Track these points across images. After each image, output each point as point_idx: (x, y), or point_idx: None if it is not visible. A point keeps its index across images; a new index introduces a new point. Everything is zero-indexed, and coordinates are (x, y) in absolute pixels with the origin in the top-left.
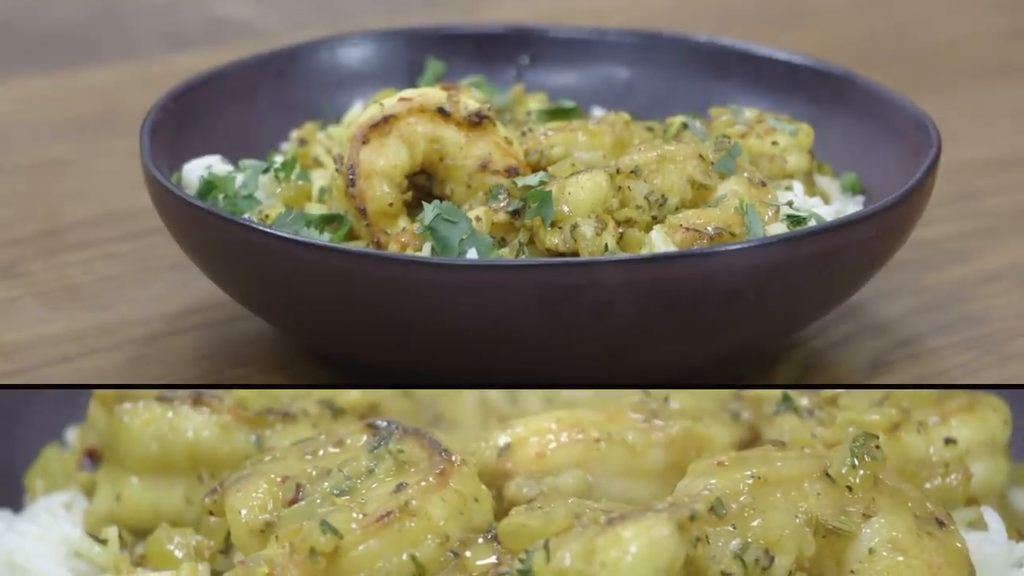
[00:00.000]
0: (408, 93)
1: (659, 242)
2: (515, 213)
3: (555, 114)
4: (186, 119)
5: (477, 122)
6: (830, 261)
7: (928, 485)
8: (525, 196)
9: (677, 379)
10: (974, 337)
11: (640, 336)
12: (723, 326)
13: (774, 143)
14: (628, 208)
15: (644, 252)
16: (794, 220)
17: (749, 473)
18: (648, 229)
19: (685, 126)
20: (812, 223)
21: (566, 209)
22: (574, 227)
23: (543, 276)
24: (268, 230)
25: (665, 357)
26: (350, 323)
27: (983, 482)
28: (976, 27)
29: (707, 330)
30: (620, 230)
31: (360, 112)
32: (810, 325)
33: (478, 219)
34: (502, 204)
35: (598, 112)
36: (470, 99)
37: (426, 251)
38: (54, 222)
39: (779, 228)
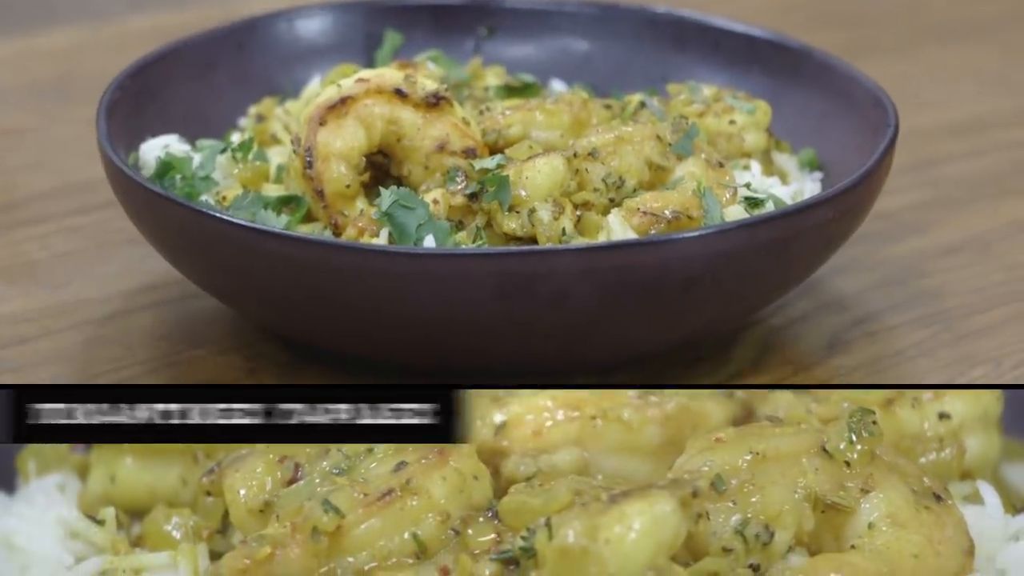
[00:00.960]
0: (365, 74)
1: (616, 226)
2: (472, 196)
3: (513, 91)
4: (143, 96)
5: (434, 103)
6: (788, 245)
7: (923, 460)
8: (483, 179)
9: (636, 362)
10: (931, 314)
11: (598, 322)
12: (681, 311)
13: (732, 122)
14: (586, 191)
15: (602, 238)
16: (751, 202)
17: (748, 449)
18: (606, 212)
19: (643, 104)
20: (769, 204)
21: (523, 193)
22: (531, 211)
23: (500, 265)
24: (225, 216)
25: (623, 343)
26: (307, 309)
27: (977, 456)
28: None
29: (665, 315)
30: (578, 213)
31: (317, 88)
32: (768, 306)
33: (435, 202)
34: (459, 187)
35: (557, 84)
36: (428, 80)
37: (383, 236)
38: (10, 194)
39: (737, 210)
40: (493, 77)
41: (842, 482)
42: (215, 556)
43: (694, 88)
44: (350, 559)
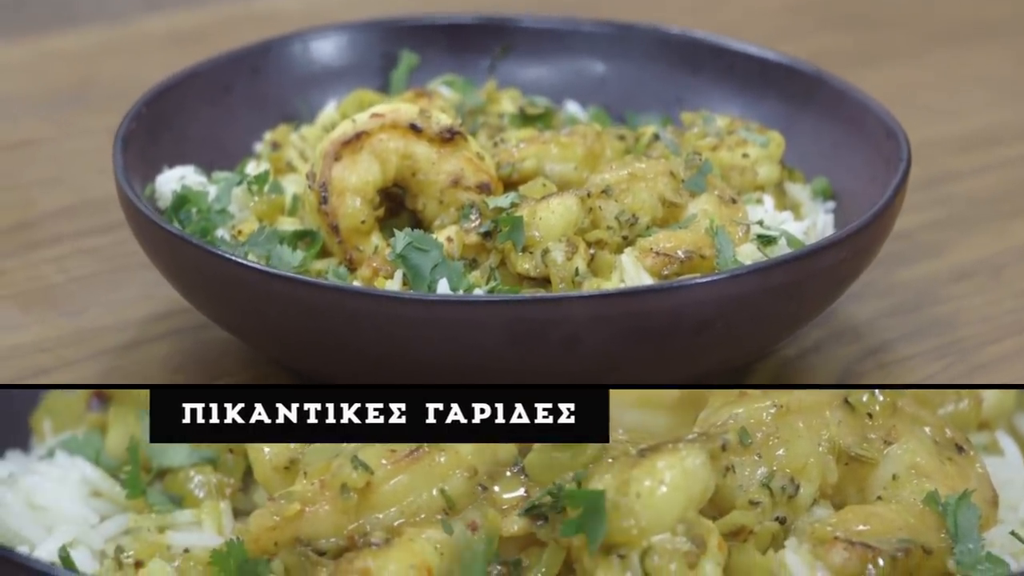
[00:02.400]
0: (380, 108)
1: (629, 267)
2: (487, 235)
3: (528, 119)
4: (159, 124)
5: (449, 138)
6: (801, 287)
7: (941, 411)
8: (496, 219)
9: None
10: (944, 344)
11: (609, 366)
12: (692, 354)
13: (745, 155)
14: (599, 229)
15: (615, 278)
16: (764, 240)
17: (771, 402)
18: (619, 250)
19: (657, 137)
20: (782, 242)
21: (537, 234)
22: (545, 252)
23: (513, 312)
24: (239, 260)
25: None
26: (320, 350)
27: (993, 407)
28: None
29: (676, 358)
30: (591, 252)
31: (333, 114)
32: (780, 344)
33: (449, 239)
34: (474, 224)
35: (571, 106)
36: (442, 113)
37: (398, 278)
38: (25, 212)
39: (749, 248)
40: (508, 102)
41: (865, 434)
42: (237, 514)
43: (708, 119)
44: (379, 515)
